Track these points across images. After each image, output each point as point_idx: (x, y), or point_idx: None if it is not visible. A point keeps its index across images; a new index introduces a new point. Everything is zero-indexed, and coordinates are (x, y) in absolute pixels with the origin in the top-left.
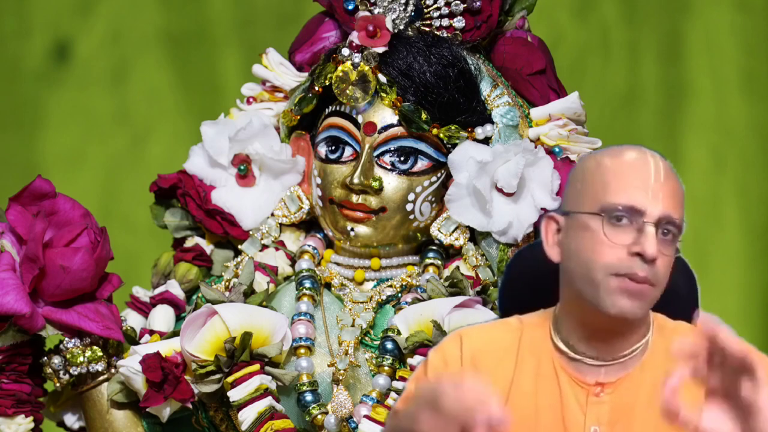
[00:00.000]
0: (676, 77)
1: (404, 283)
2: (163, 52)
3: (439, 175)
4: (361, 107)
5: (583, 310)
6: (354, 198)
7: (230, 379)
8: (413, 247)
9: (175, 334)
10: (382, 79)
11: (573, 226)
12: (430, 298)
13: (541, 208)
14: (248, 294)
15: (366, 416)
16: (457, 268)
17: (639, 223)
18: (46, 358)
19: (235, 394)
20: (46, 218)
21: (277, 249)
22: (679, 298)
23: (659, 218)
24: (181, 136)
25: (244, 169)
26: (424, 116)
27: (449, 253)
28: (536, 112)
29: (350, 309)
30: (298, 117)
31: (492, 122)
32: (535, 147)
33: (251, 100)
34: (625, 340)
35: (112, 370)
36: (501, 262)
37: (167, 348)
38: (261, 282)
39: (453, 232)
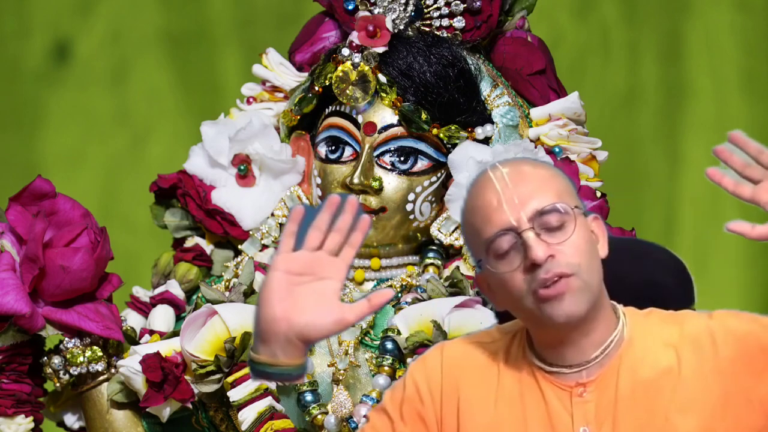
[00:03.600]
0: (676, 77)
1: (404, 283)
2: (163, 52)
3: (439, 175)
4: (361, 107)
5: (542, 333)
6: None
7: (230, 379)
8: (413, 247)
9: (175, 334)
10: (382, 79)
11: (488, 276)
12: (430, 298)
13: None
14: (248, 294)
15: (366, 416)
16: (457, 268)
17: (517, 240)
18: (46, 358)
19: (235, 394)
20: (46, 218)
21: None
22: (670, 295)
23: (529, 218)
24: (181, 136)
25: (244, 169)
26: (424, 116)
27: (449, 253)
28: (536, 112)
29: None
30: (298, 117)
31: (492, 122)
32: (535, 147)
33: (251, 100)
34: (589, 340)
35: (112, 370)
36: None
37: (167, 348)
38: (261, 282)
39: (453, 232)
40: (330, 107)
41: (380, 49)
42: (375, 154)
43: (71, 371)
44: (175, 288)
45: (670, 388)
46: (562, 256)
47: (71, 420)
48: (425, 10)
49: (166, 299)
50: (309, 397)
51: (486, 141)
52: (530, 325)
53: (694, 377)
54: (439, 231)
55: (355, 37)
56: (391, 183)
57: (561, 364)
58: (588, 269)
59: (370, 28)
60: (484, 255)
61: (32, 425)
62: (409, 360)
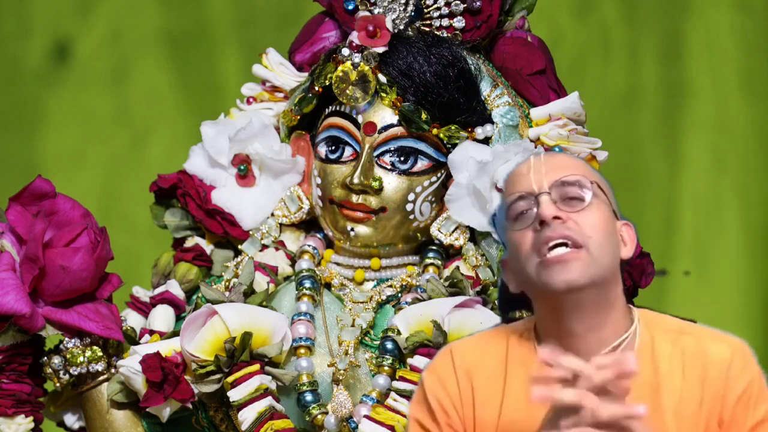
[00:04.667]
0: (676, 77)
1: (404, 283)
2: (163, 52)
3: (439, 175)
4: (361, 107)
5: (548, 308)
6: (354, 198)
7: (230, 379)
8: (413, 247)
9: (175, 334)
10: (382, 79)
11: (509, 260)
12: (430, 298)
13: None
14: (248, 294)
15: (366, 416)
16: (457, 268)
17: (534, 203)
18: (46, 358)
19: (235, 394)
20: (46, 218)
21: (277, 249)
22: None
23: (550, 185)
24: (181, 136)
25: (244, 169)
26: (424, 116)
27: (449, 253)
28: (536, 112)
29: (350, 309)
30: (298, 117)
31: (492, 122)
32: (535, 147)
33: (251, 100)
34: (596, 336)
35: (112, 370)
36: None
37: (167, 348)
38: (261, 282)
39: (453, 232)
40: (330, 107)
41: (380, 49)
42: (375, 154)
43: (71, 371)
44: (175, 288)
45: (675, 402)
46: (573, 224)
47: (71, 420)
48: (425, 10)
49: (166, 299)
50: (309, 397)
51: (486, 141)
52: (539, 306)
53: (697, 399)
54: (439, 231)
55: (355, 37)
56: (391, 183)
57: None
58: (599, 247)
59: (370, 28)
60: (505, 219)
61: (32, 425)
62: (409, 360)
